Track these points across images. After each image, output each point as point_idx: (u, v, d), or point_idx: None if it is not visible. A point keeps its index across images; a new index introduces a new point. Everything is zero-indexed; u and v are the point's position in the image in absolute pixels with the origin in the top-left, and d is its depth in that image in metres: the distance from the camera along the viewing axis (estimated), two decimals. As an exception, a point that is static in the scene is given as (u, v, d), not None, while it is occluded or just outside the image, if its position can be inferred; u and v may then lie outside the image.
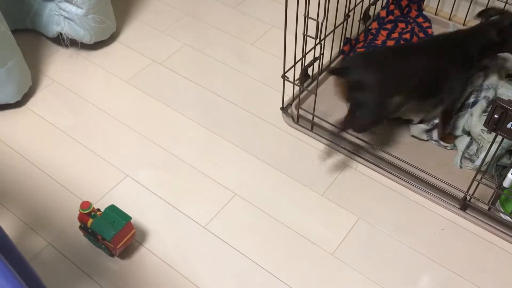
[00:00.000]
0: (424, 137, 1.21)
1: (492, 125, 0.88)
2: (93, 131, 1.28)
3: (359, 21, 1.47)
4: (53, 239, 1.07)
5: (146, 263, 1.03)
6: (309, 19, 1.06)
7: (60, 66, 1.45)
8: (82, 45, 1.46)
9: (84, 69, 1.44)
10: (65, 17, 1.38)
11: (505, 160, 1.12)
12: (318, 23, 1.04)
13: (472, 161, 1.15)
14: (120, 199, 1.14)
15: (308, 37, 1.10)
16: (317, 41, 1.11)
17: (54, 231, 1.08)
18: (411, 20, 1.48)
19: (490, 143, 0.95)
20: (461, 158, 1.15)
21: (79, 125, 1.29)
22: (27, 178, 1.17)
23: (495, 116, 0.87)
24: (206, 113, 1.32)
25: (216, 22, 1.57)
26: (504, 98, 0.95)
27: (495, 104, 0.87)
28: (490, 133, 0.91)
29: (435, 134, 1.20)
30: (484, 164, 1.01)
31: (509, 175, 0.96)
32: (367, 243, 1.06)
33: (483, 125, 0.92)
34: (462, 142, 1.16)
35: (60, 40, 1.45)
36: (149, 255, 1.04)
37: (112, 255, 1.04)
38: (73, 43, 1.46)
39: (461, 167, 1.15)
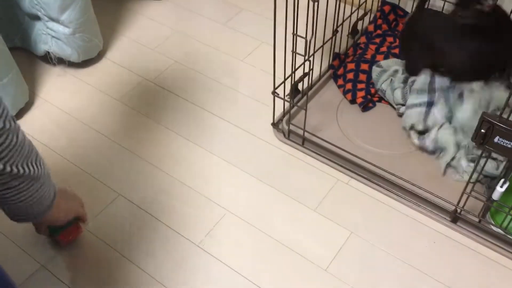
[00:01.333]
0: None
1: (480, 139, 0.90)
2: (85, 151, 1.28)
3: (347, 35, 1.49)
4: (45, 262, 1.06)
5: (139, 285, 1.03)
6: (297, 37, 1.07)
7: (50, 84, 1.45)
8: (70, 63, 1.46)
9: (74, 88, 1.44)
10: (53, 36, 1.39)
11: (493, 171, 1.14)
12: (306, 41, 1.05)
13: (458, 171, 1.17)
14: (112, 219, 1.13)
15: (297, 54, 1.11)
16: (306, 57, 1.12)
17: (47, 253, 1.07)
18: (399, 34, 1.50)
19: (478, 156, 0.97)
20: (446, 167, 1.17)
21: (71, 145, 1.29)
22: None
23: (482, 130, 0.88)
24: (197, 130, 1.32)
25: (206, 39, 1.58)
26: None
27: (481, 118, 0.88)
28: (477, 147, 0.93)
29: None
30: (472, 177, 1.03)
31: (498, 187, 0.97)
32: (360, 257, 1.06)
33: (471, 139, 0.93)
34: (449, 147, 1.17)
35: (48, 58, 1.45)
36: (142, 274, 1.04)
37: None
38: (61, 61, 1.47)
39: (445, 173, 1.17)
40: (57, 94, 1.42)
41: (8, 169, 0.71)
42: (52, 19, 1.35)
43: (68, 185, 1.04)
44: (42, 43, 1.42)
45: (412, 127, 1.22)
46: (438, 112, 1.20)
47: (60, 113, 1.37)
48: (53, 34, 1.38)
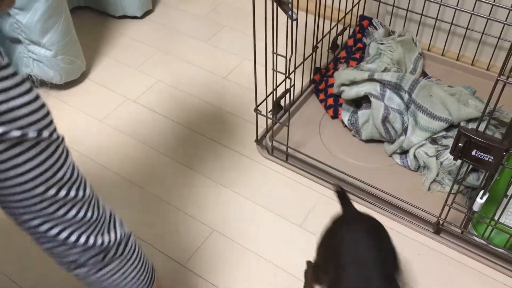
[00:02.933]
0: (398, 159, 1.25)
1: (458, 153, 0.91)
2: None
3: (328, 50, 1.51)
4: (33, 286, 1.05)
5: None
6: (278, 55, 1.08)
7: (33, 107, 1.44)
8: (52, 85, 1.46)
9: (56, 109, 1.44)
10: (34, 59, 1.38)
11: (474, 182, 1.16)
12: (286, 60, 1.07)
13: (441, 183, 1.19)
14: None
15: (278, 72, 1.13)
16: (287, 75, 1.14)
17: (34, 276, 1.06)
18: None
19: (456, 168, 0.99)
20: (431, 182, 1.19)
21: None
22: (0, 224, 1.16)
23: (460, 144, 0.90)
24: (182, 148, 1.33)
25: (189, 57, 1.59)
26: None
27: (459, 132, 0.90)
28: (456, 160, 0.94)
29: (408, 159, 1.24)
30: (453, 189, 1.04)
31: (478, 199, 0.99)
32: (346, 272, 1.07)
33: (449, 152, 0.95)
34: (433, 168, 1.19)
35: (30, 81, 1.45)
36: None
37: None
38: (43, 83, 1.46)
39: (429, 189, 1.19)
40: (40, 116, 1.42)
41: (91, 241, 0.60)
42: (33, 42, 1.35)
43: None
44: (23, 66, 1.42)
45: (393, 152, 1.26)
46: (411, 135, 1.24)
47: (43, 135, 1.36)
48: (34, 57, 1.38)
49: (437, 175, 1.18)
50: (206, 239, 1.13)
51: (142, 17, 1.73)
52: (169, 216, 1.18)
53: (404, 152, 1.25)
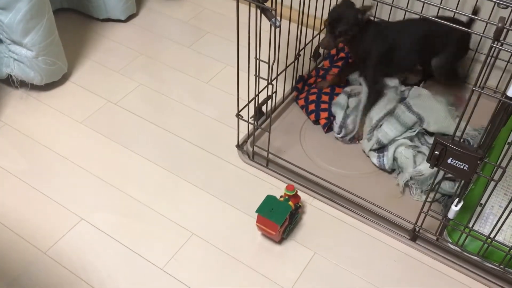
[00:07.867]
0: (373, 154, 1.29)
1: (434, 161, 0.93)
2: (47, 174, 1.26)
3: (309, 58, 1.53)
4: (4, 290, 1.03)
5: (102, 310, 1.01)
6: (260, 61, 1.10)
7: (12, 108, 1.43)
8: (33, 86, 1.45)
9: (36, 111, 1.42)
10: (15, 59, 1.37)
11: (450, 190, 1.18)
12: (269, 66, 1.08)
13: (411, 194, 1.22)
14: (75, 243, 1.11)
15: (260, 78, 1.14)
16: (269, 81, 1.15)
17: (7, 278, 1.05)
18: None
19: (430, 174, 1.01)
20: (404, 186, 1.21)
21: (31, 169, 1.27)
22: (-24, 226, 1.14)
23: (436, 152, 0.92)
24: (163, 152, 1.33)
25: (172, 61, 1.59)
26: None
27: (435, 141, 0.92)
28: (432, 168, 0.96)
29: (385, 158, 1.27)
30: (429, 197, 1.06)
31: (452, 206, 1.01)
32: (323, 278, 1.08)
33: (426, 160, 0.97)
34: (407, 171, 1.22)
35: (10, 81, 1.43)
36: (105, 301, 1.03)
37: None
38: (23, 84, 1.45)
39: (403, 192, 1.21)
40: (19, 117, 1.40)
41: None
42: (15, 42, 1.34)
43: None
44: (4, 66, 1.40)
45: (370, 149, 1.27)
46: (387, 127, 1.26)
47: (21, 136, 1.35)
48: (15, 57, 1.37)
49: (410, 178, 1.21)
50: (185, 243, 1.13)
51: (126, 20, 1.73)
52: (148, 220, 1.17)
53: (380, 149, 1.26)
